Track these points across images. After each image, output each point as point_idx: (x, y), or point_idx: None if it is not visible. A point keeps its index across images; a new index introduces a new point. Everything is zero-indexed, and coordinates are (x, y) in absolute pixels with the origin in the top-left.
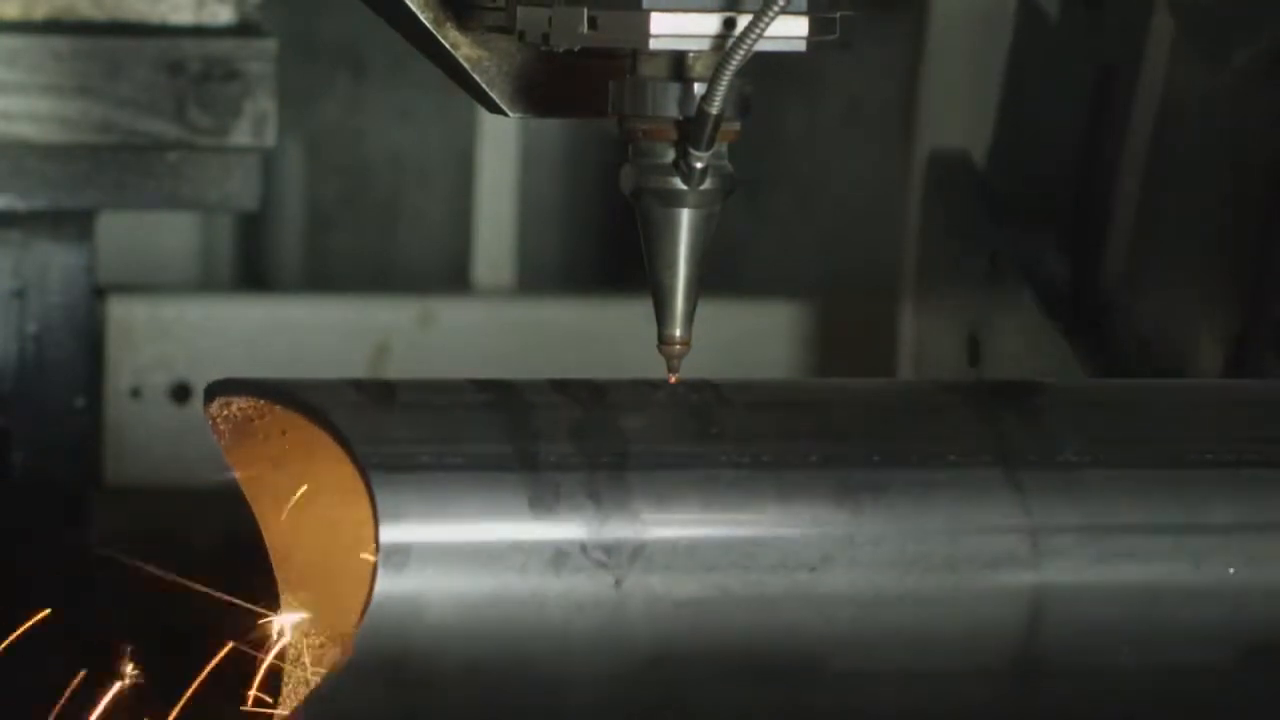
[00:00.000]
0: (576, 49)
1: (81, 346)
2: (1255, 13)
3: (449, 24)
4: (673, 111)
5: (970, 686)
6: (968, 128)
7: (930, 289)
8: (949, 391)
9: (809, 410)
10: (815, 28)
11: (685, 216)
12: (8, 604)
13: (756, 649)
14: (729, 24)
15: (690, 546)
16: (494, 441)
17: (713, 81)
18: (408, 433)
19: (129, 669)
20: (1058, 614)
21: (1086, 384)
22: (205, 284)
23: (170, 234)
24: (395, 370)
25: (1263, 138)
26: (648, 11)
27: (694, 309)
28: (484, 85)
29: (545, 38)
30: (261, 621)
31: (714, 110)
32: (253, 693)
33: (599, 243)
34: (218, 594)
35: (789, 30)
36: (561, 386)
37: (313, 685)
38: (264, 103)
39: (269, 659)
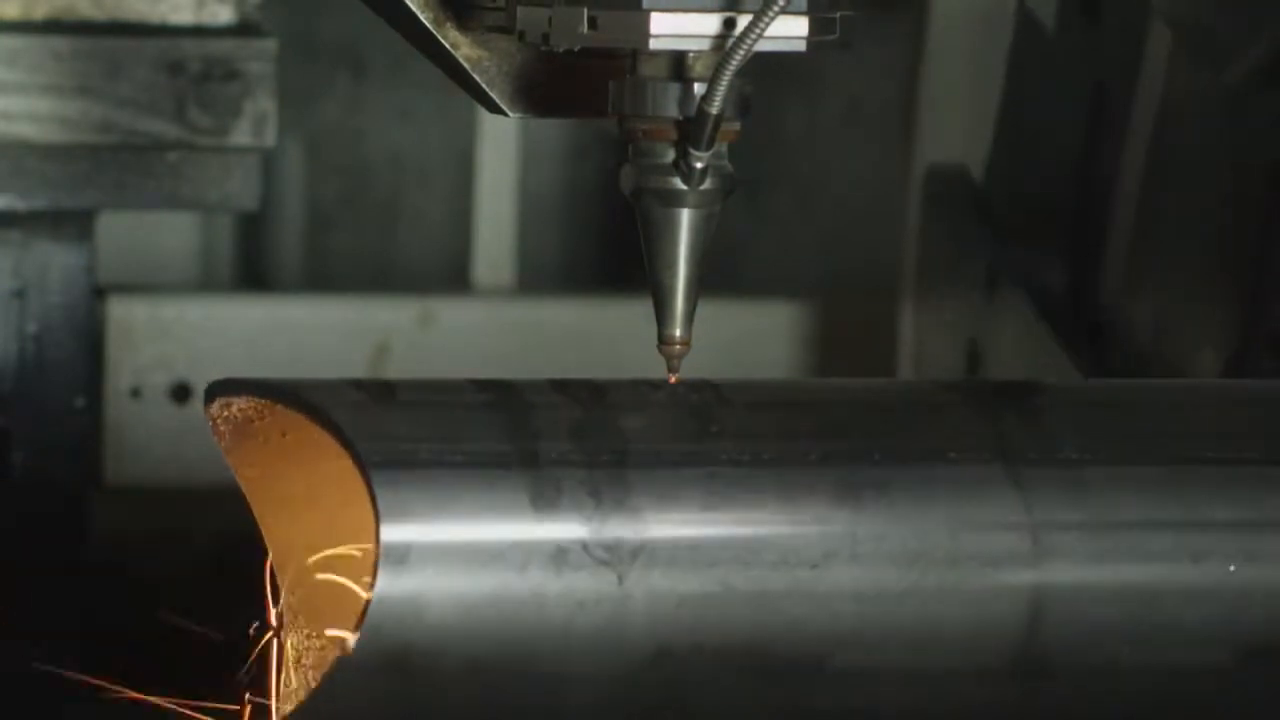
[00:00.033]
0: (576, 49)
1: (81, 346)
2: (1256, 12)
3: (449, 24)
4: (673, 111)
5: (971, 682)
6: (968, 128)
7: (930, 300)
8: (949, 390)
9: (809, 409)
10: (815, 28)
11: (685, 216)
12: (8, 604)
13: (758, 645)
14: (729, 24)
15: (692, 543)
16: (495, 440)
17: (713, 81)
18: (408, 431)
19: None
20: (1058, 610)
21: (1087, 384)
22: (205, 284)
23: (170, 234)
24: (395, 370)
25: (1261, 147)
26: (648, 11)
27: (694, 309)
28: (484, 85)
29: (545, 38)
30: (261, 621)
31: (714, 110)
32: (252, 693)
33: (599, 243)
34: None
35: (789, 30)
36: (561, 386)
37: (313, 685)
38: (264, 103)
39: (269, 659)
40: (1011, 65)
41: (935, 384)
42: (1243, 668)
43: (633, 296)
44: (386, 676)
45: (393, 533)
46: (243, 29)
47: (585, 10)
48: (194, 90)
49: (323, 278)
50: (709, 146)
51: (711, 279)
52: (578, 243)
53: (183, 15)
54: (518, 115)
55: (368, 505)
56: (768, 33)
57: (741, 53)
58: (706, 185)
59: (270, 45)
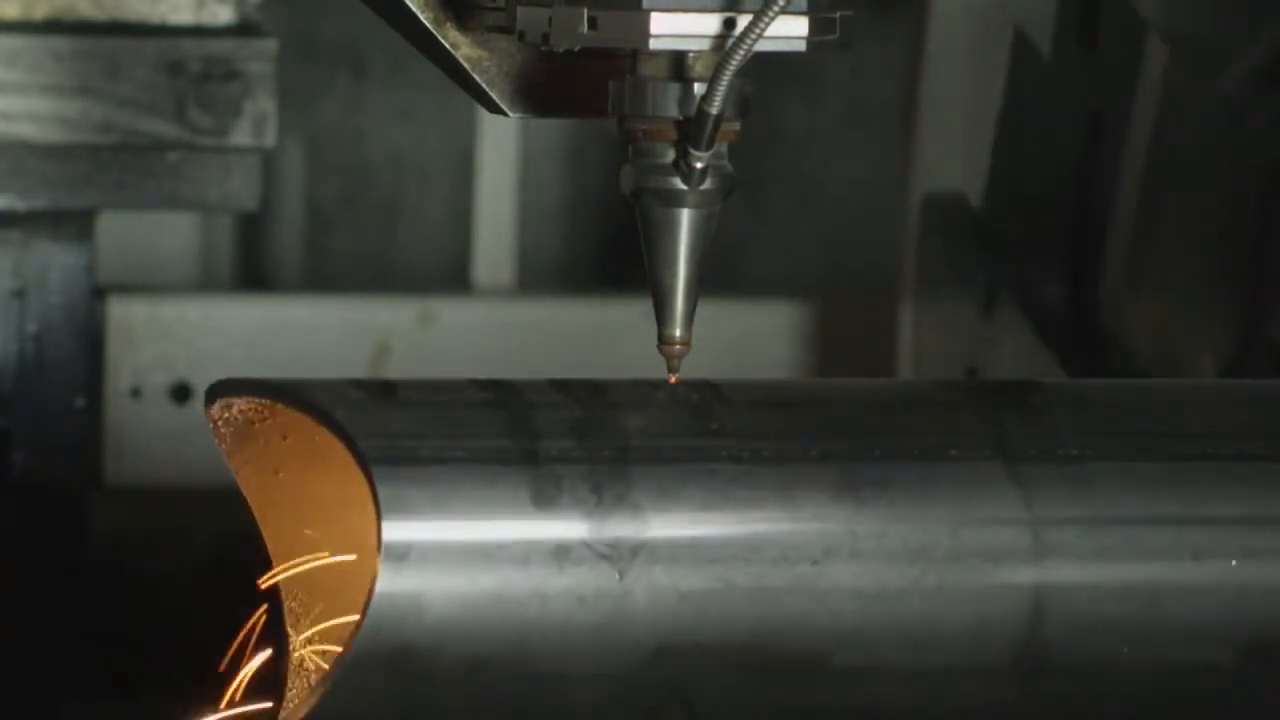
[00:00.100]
0: (576, 49)
1: (81, 346)
2: (1255, 13)
3: (449, 24)
4: (673, 111)
5: (971, 679)
6: (967, 128)
7: (929, 312)
8: (950, 389)
9: (810, 407)
10: (815, 28)
11: (685, 216)
12: (7, 604)
13: (759, 642)
14: (729, 24)
15: (693, 541)
16: (495, 437)
17: (713, 81)
18: (409, 429)
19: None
20: (1059, 607)
21: (1087, 383)
22: (205, 284)
23: (170, 234)
24: (395, 370)
25: (1260, 148)
26: (648, 11)
27: (694, 309)
28: (484, 85)
29: (545, 38)
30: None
31: (714, 110)
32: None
33: (599, 243)
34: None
35: (789, 30)
36: (562, 386)
37: (314, 684)
38: (264, 103)
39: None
40: (1009, 89)
41: (935, 383)
42: (1243, 665)
43: (633, 296)
44: (387, 675)
45: (393, 530)
46: (243, 29)
47: (585, 10)
48: (194, 90)
49: (323, 278)
50: (709, 146)
51: (711, 279)
52: (578, 243)
53: (183, 15)
54: (518, 115)
55: (368, 505)
56: (768, 33)
57: (741, 53)
58: (706, 185)
59: (270, 45)
